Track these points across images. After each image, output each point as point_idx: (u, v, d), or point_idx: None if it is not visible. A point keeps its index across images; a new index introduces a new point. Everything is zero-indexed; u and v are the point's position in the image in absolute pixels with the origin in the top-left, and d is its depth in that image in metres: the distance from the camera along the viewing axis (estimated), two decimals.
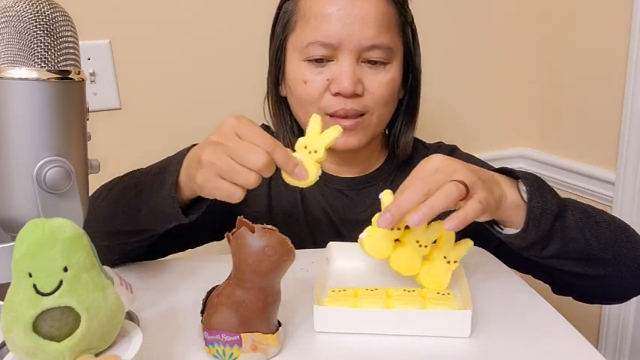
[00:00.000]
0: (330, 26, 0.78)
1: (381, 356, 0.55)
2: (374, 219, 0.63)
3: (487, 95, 1.50)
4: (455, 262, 0.64)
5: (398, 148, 0.90)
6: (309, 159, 0.61)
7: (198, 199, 0.69)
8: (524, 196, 0.65)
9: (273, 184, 0.89)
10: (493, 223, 0.68)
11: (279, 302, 0.54)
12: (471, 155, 0.94)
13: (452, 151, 0.95)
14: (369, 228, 0.64)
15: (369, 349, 0.55)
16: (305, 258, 0.72)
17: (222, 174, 0.58)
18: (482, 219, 0.62)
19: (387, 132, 0.93)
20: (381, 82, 0.81)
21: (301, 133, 0.88)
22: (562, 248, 0.66)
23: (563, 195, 0.69)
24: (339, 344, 0.56)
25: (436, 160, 0.63)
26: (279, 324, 0.55)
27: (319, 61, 0.80)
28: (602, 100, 1.28)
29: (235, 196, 0.58)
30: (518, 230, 0.64)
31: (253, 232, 0.51)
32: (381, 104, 0.82)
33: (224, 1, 1.20)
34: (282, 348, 0.55)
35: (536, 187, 0.65)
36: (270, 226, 0.52)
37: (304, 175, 0.60)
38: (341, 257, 0.72)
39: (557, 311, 0.62)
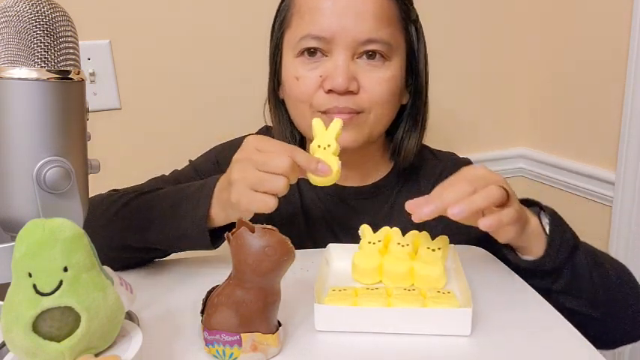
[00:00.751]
0: (324, 19, 0.75)
1: (382, 355, 0.54)
2: (360, 244, 0.70)
3: (487, 95, 1.50)
4: (439, 249, 0.68)
5: (399, 155, 0.86)
6: (327, 154, 0.65)
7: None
8: (546, 226, 0.68)
9: None
10: (510, 249, 0.70)
11: (279, 302, 0.54)
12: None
13: (466, 164, 0.89)
14: (354, 254, 0.69)
15: (369, 349, 0.55)
16: (305, 258, 0.72)
17: (253, 186, 0.61)
18: (508, 234, 0.65)
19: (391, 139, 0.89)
20: (379, 79, 0.77)
21: (302, 138, 0.87)
22: (570, 284, 0.67)
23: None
24: (339, 344, 0.56)
25: (482, 169, 0.66)
26: (279, 324, 0.55)
27: (312, 54, 0.77)
28: (602, 100, 1.28)
29: (270, 204, 0.61)
30: (537, 257, 0.67)
31: (253, 232, 0.51)
32: (379, 104, 0.78)
33: (225, 1, 1.20)
34: (282, 348, 0.55)
35: (557, 220, 0.68)
36: (270, 226, 0.52)
37: (327, 169, 0.63)
38: (340, 258, 0.72)
39: (557, 311, 0.62)
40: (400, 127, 0.86)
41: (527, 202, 0.73)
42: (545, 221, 0.69)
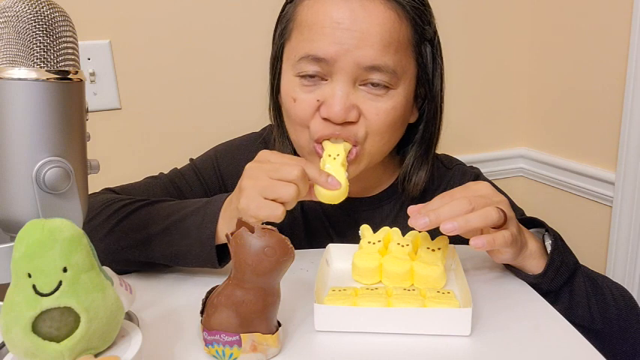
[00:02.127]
0: (325, 39, 0.69)
1: (382, 356, 0.55)
2: (360, 244, 0.71)
3: (487, 95, 1.50)
4: (439, 249, 0.68)
5: (409, 183, 0.81)
6: (336, 163, 0.68)
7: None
8: (549, 247, 0.68)
9: None
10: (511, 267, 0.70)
11: (278, 302, 0.54)
12: (491, 181, 0.86)
13: (476, 176, 0.89)
14: (354, 254, 0.69)
15: (369, 350, 0.55)
16: (305, 258, 0.72)
17: (263, 192, 0.62)
18: (503, 256, 0.65)
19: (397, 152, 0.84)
20: (379, 110, 0.71)
21: None
22: (567, 310, 0.67)
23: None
24: (339, 344, 0.56)
25: (485, 186, 0.67)
26: (279, 324, 0.55)
27: (312, 76, 0.71)
28: (602, 100, 1.28)
29: (278, 212, 0.61)
30: (536, 274, 0.67)
31: (253, 232, 0.51)
32: (377, 134, 0.73)
33: (225, 0, 1.20)
34: (282, 348, 0.55)
35: (560, 242, 0.68)
36: (269, 227, 0.52)
37: (337, 183, 0.65)
38: (340, 258, 0.72)
39: (557, 311, 0.62)
40: (410, 153, 0.81)
41: (533, 222, 0.72)
42: (548, 242, 0.69)
